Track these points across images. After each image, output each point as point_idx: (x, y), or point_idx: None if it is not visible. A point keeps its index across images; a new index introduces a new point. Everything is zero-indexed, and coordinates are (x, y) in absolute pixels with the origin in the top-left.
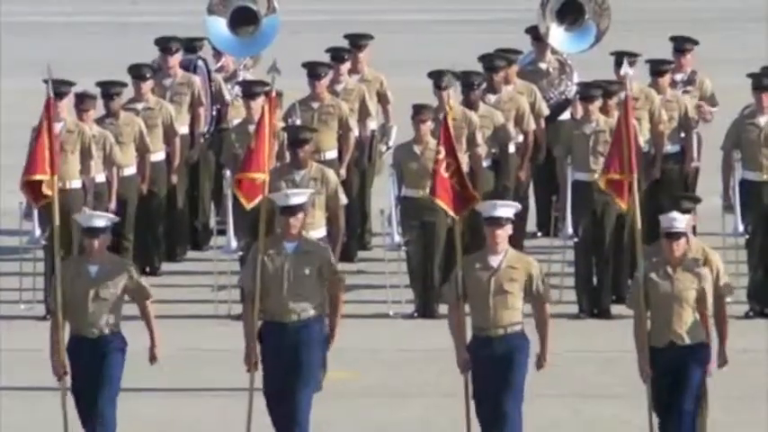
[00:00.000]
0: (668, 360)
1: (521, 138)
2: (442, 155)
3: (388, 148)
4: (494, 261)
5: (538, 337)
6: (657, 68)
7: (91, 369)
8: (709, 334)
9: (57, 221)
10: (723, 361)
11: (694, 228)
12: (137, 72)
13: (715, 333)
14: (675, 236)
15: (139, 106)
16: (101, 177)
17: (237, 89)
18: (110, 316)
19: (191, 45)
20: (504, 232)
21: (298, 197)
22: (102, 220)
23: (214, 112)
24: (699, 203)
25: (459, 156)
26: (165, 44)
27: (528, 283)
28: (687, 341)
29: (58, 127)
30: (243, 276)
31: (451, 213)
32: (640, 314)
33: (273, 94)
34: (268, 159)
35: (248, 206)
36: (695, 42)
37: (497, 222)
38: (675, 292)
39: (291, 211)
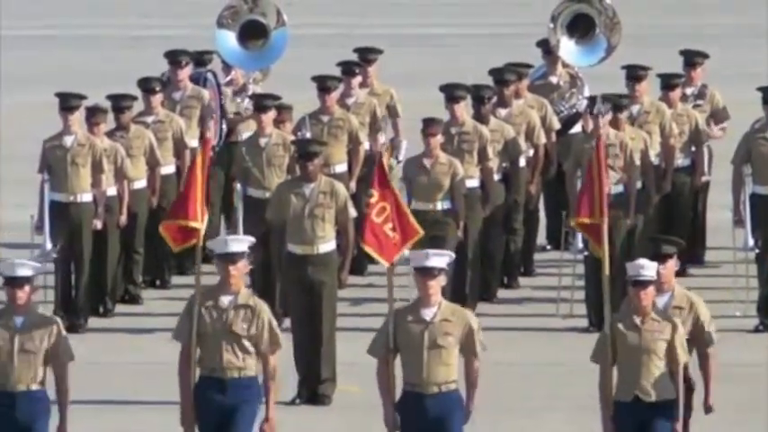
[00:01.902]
0: (632, 416)
1: (531, 152)
2: (375, 198)
3: (399, 162)
4: (427, 314)
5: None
6: (668, 82)
7: (13, 428)
8: (679, 389)
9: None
10: (708, 408)
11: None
12: (146, 85)
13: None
14: (643, 284)
15: (149, 119)
16: (112, 191)
17: (248, 102)
18: (35, 370)
19: (200, 58)
20: (438, 283)
21: (237, 244)
22: (26, 268)
23: (224, 126)
24: (681, 247)
25: (395, 197)
26: (174, 57)
27: (462, 337)
28: (653, 397)
29: (68, 141)
30: (178, 329)
31: (382, 261)
32: (605, 368)
33: (207, 137)
34: (202, 207)
35: (175, 249)
36: (705, 56)
37: (429, 273)
38: (643, 343)
39: (231, 259)
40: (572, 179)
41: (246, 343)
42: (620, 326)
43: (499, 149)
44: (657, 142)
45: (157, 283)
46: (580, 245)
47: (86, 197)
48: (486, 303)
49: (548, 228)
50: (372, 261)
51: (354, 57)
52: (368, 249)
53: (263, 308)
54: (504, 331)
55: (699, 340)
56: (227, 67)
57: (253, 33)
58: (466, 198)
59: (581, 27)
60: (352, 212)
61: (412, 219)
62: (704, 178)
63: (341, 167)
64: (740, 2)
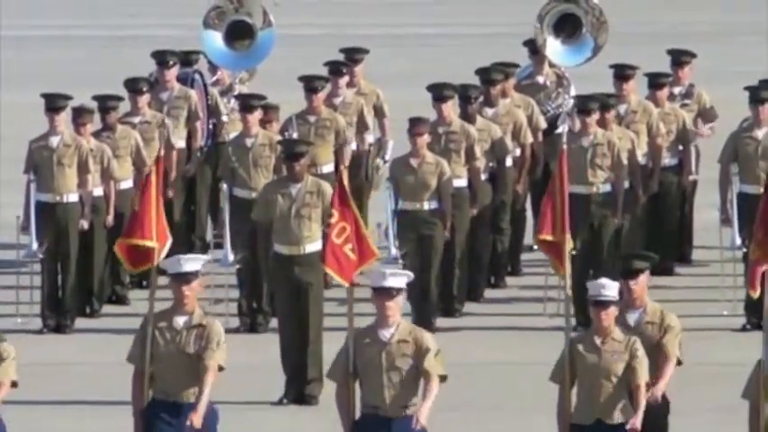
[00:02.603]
0: None
1: (518, 151)
2: (335, 218)
3: (385, 162)
4: (385, 335)
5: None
6: (655, 81)
7: None
8: (639, 411)
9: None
10: (654, 399)
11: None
12: (133, 86)
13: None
14: (603, 304)
15: (136, 120)
16: (98, 191)
17: (234, 103)
18: None
19: (187, 59)
20: (396, 304)
21: (191, 263)
22: None
23: (211, 127)
24: (652, 262)
25: (355, 217)
26: (161, 58)
27: (420, 359)
28: (615, 419)
29: (55, 141)
30: (132, 352)
31: (342, 282)
32: (564, 390)
33: (161, 153)
34: (157, 225)
35: (133, 271)
36: (693, 55)
37: (387, 293)
38: (603, 364)
39: (185, 278)
40: None
41: (201, 363)
42: (580, 346)
43: (486, 149)
44: (645, 142)
45: (144, 283)
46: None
47: (73, 197)
48: (473, 303)
49: (535, 227)
50: None
51: (341, 57)
52: (328, 271)
53: (217, 327)
54: (491, 331)
55: (672, 352)
56: (213, 68)
57: (239, 33)
58: (453, 198)
59: (568, 27)
60: None
61: (370, 241)
62: (691, 177)
63: (328, 168)
64: (727, 0)
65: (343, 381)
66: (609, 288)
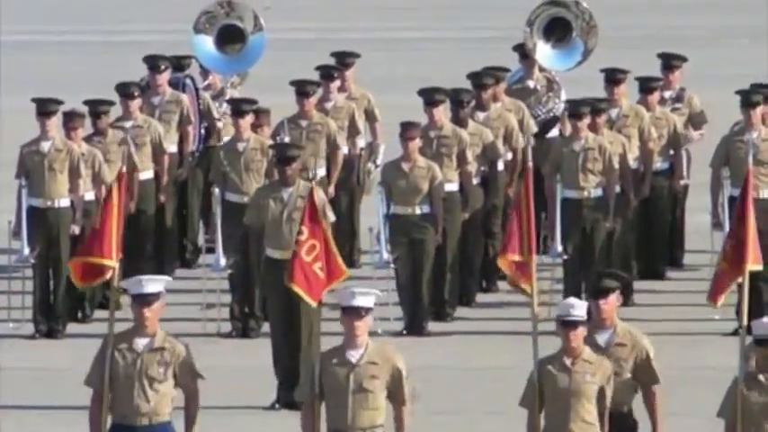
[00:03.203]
0: None
1: (509, 155)
2: (305, 236)
3: (377, 167)
4: (353, 356)
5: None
6: (647, 86)
7: None
8: None
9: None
10: None
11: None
12: (125, 90)
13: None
14: (572, 324)
15: (128, 124)
16: (89, 195)
17: (225, 107)
18: None
19: (179, 63)
20: (365, 324)
21: (153, 284)
22: None
23: (202, 131)
24: (624, 281)
25: (325, 235)
26: (153, 62)
27: (389, 382)
28: None
29: (46, 146)
30: (90, 374)
31: (310, 301)
32: (533, 412)
33: (124, 171)
34: (117, 243)
35: (80, 286)
36: (683, 59)
37: (356, 313)
38: (573, 386)
39: (146, 300)
40: (551, 183)
41: (161, 387)
42: (550, 367)
43: (478, 153)
44: (636, 146)
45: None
46: (559, 248)
47: (64, 202)
48: (465, 307)
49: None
50: (352, 264)
51: (332, 61)
52: (296, 289)
53: (180, 349)
54: (482, 335)
55: (643, 378)
56: (204, 72)
57: (230, 38)
58: (445, 202)
59: (558, 31)
60: (331, 217)
61: (339, 259)
62: (683, 182)
63: (320, 172)
64: (718, 4)
65: (309, 402)
66: (577, 308)
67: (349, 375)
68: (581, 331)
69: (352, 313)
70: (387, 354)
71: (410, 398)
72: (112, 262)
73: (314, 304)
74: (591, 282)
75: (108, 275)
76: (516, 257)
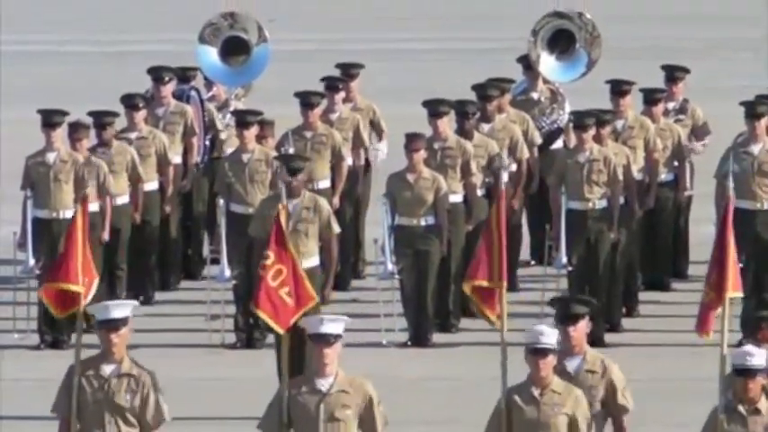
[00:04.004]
0: None
1: (514, 166)
2: (271, 260)
3: (376, 150)
4: (323, 384)
5: None
6: (651, 97)
7: None
8: None
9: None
10: None
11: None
12: (129, 102)
13: None
14: (542, 352)
15: (132, 136)
16: (94, 207)
17: (230, 118)
18: None
19: (184, 75)
20: (333, 351)
21: (120, 309)
22: None
23: (207, 142)
24: (592, 307)
25: (292, 259)
26: (157, 74)
27: (362, 410)
28: None
29: (51, 157)
30: (57, 401)
31: (276, 328)
32: None
33: (83, 195)
34: (83, 267)
35: (59, 315)
36: (686, 71)
37: (325, 340)
38: (542, 418)
39: (113, 325)
40: (556, 194)
41: (129, 415)
42: (517, 398)
43: (483, 164)
44: (642, 157)
45: (141, 298)
46: (564, 260)
47: (69, 213)
48: (469, 319)
49: (531, 243)
50: (357, 276)
51: (337, 72)
52: (261, 315)
53: (147, 378)
54: (487, 346)
55: (612, 408)
56: (208, 83)
57: (235, 49)
58: (449, 213)
59: (561, 42)
60: (336, 228)
61: (308, 284)
62: (687, 193)
63: (324, 183)
64: (721, 16)
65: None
66: (547, 335)
67: (320, 405)
68: (551, 360)
69: (320, 341)
70: (357, 381)
71: (382, 426)
72: (79, 287)
73: (281, 332)
74: (559, 307)
75: (86, 300)
76: (484, 283)
